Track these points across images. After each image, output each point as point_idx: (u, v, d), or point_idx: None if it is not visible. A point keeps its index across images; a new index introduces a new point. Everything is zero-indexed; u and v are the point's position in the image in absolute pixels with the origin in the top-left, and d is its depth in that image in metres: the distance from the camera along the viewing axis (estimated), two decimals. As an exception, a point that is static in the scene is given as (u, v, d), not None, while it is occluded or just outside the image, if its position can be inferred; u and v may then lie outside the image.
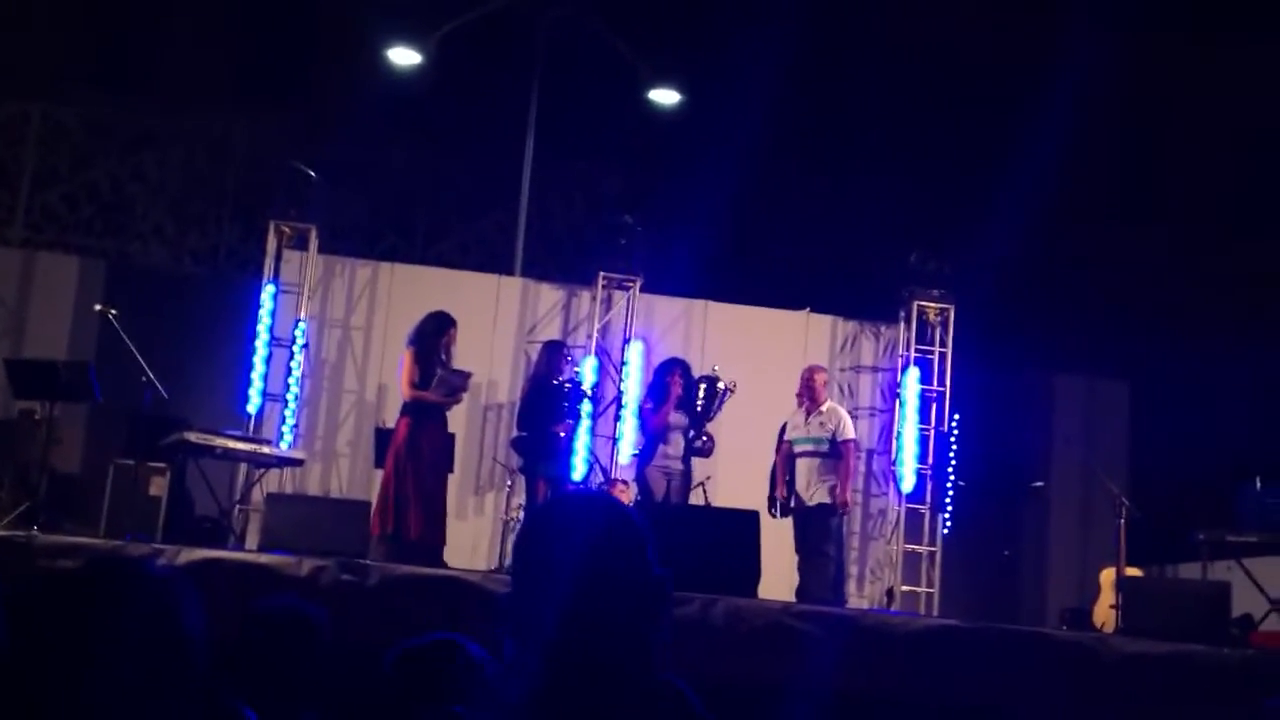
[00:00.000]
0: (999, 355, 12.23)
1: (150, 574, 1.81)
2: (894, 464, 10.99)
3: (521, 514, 9.64)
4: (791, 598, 8.37)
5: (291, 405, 10.50)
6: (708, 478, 9.57)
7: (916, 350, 11.25)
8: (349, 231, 13.19)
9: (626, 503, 9.28)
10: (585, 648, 1.62)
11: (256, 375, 10.44)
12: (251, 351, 10.49)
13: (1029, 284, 12.63)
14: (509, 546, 9.82)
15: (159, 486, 8.81)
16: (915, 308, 11.25)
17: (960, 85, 12.87)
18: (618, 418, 10.77)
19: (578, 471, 9.93)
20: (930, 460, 11.04)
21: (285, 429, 10.43)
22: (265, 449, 9.50)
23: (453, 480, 9.94)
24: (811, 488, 8.90)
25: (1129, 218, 12.88)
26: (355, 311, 11.21)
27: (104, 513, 8.66)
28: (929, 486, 11.01)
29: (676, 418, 9.11)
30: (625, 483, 9.82)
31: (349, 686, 3.35)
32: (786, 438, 9.15)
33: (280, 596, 3.07)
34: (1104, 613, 9.15)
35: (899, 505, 11.02)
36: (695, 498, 9.36)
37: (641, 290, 11.18)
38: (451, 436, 9.40)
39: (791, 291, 11.98)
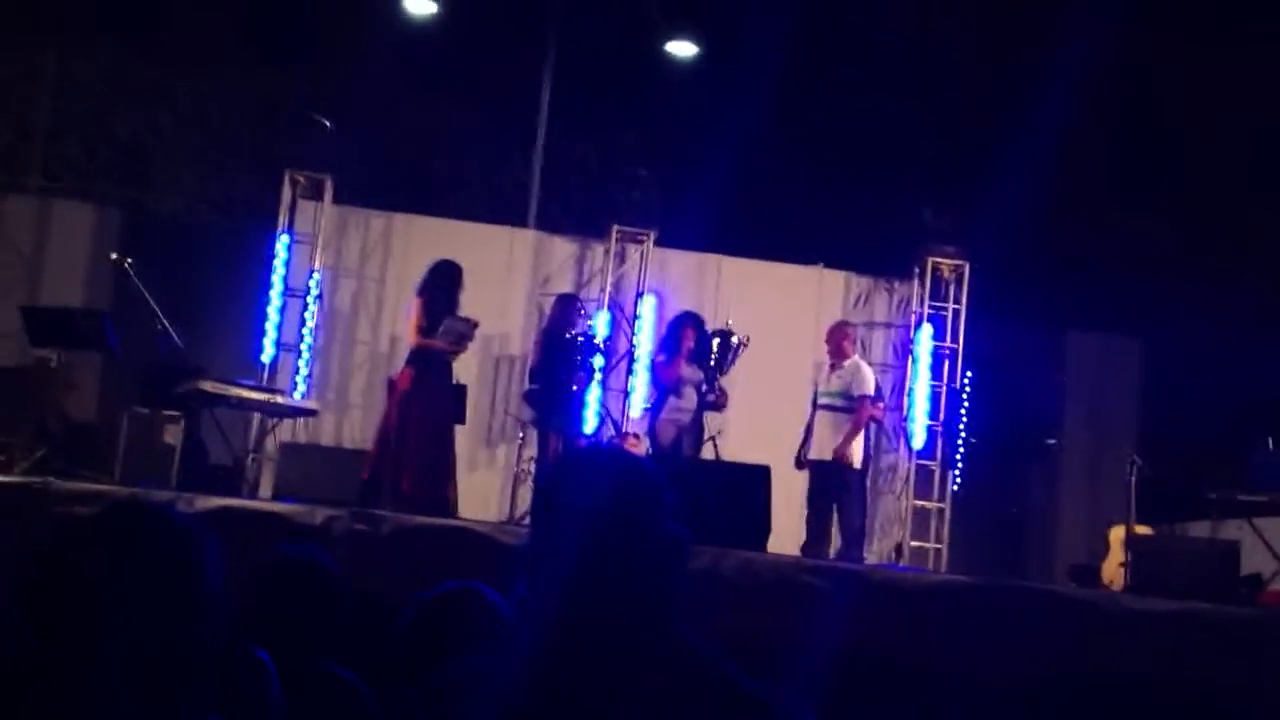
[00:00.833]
0: (1012, 312, 12.20)
1: (172, 519, 1.83)
2: (905, 420, 11.00)
3: (533, 466, 9.68)
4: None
5: (305, 355, 10.54)
6: (719, 432, 9.60)
7: (930, 307, 11.24)
8: (363, 182, 13.16)
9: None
10: (602, 599, 1.64)
11: (271, 325, 10.48)
12: (266, 301, 10.52)
13: (1042, 241, 12.57)
14: (520, 499, 9.88)
15: (173, 435, 8.86)
16: (929, 264, 11.23)
17: (976, 40, 12.75)
18: (630, 371, 10.79)
19: (589, 425, 9.96)
20: (941, 417, 11.05)
21: (299, 379, 10.48)
22: (279, 399, 9.55)
23: (464, 432, 9.99)
24: (826, 442, 8.94)
25: (1143, 174, 12.79)
26: (369, 262, 11.23)
27: (119, 460, 8.72)
28: (939, 443, 11.03)
29: (689, 371, 9.12)
30: (637, 436, 9.85)
31: (363, 635, 3.40)
32: (816, 388, 9.21)
33: (298, 545, 3.09)
34: (1113, 570, 9.18)
35: (909, 461, 11.05)
36: (706, 452, 9.39)
37: (655, 244, 11.16)
38: (463, 388, 9.43)
39: (806, 247, 11.95)
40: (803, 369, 9.65)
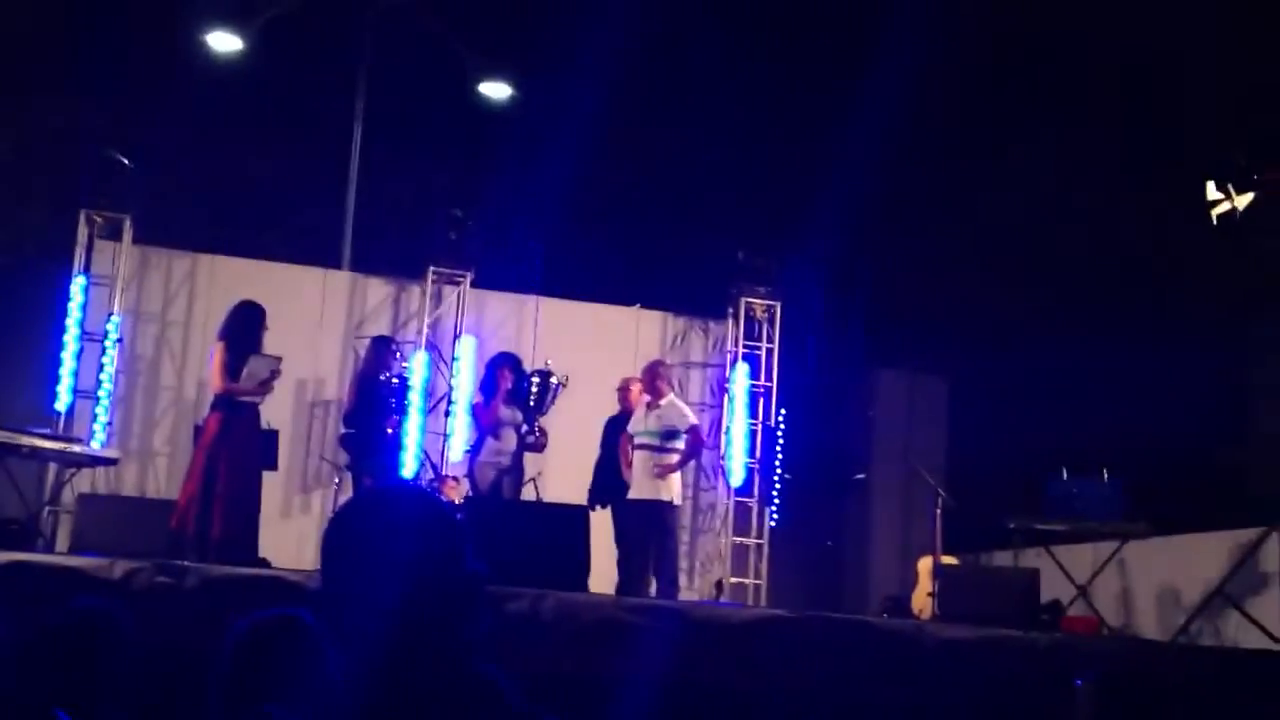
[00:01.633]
0: (824, 351, 12.52)
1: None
2: (723, 458, 11.15)
3: (349, 512, 9.44)
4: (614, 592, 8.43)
5: (104, 402, 10.08)
6: (539, 473, 9.56)
7: (744, 346, 11.44)
8: (167, 222, 12.71)
9: (456, 500, 9.21)
10: (396, 641, 1.60)
11: (66, 371, 9.99)
12: (61, 346, 10.04)
13: (852, 281, 12.97)
14: (320, 551, 9.62)
15: (-40, 488, 8.37)
16: (743, 304, 11.44)
17: (786, 84, 13.11)
18: (448, 413, 10.66)
19: (407, 468, 9.80)
20: (758, 454, 11.23)
21: (98, 427, 10.01)
22: (76, 448, 9.11)
23: (278, 478, 9.71)
24: (644, 481, 8.95)
25: (948, 217, 13.30)
26: (173, 305, 10.85)
27: (-101, 517, 8.19)
28: (757, 480, 11.21)
29: (507, 412, 9.07)
30: (456, 479, 9.73)
31: (166, 688, 3.24)
32: (629, 430, 9.20)
33: (82, 599, 2.94)
34: (922, 600, 9.45)
35: (728, 499, 11.18)
36: (526, 493, 9.34)
37: (473, 285, 11.09)
38: (274, 433, 9.17)
39: (623, 287, 12.05)
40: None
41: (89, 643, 2.70)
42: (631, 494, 8.96)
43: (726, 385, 11.38)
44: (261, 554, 8.10)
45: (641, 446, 9.03)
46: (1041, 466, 9.45)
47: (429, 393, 10.57)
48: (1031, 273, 12.57)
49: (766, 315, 11.51)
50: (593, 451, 9.48)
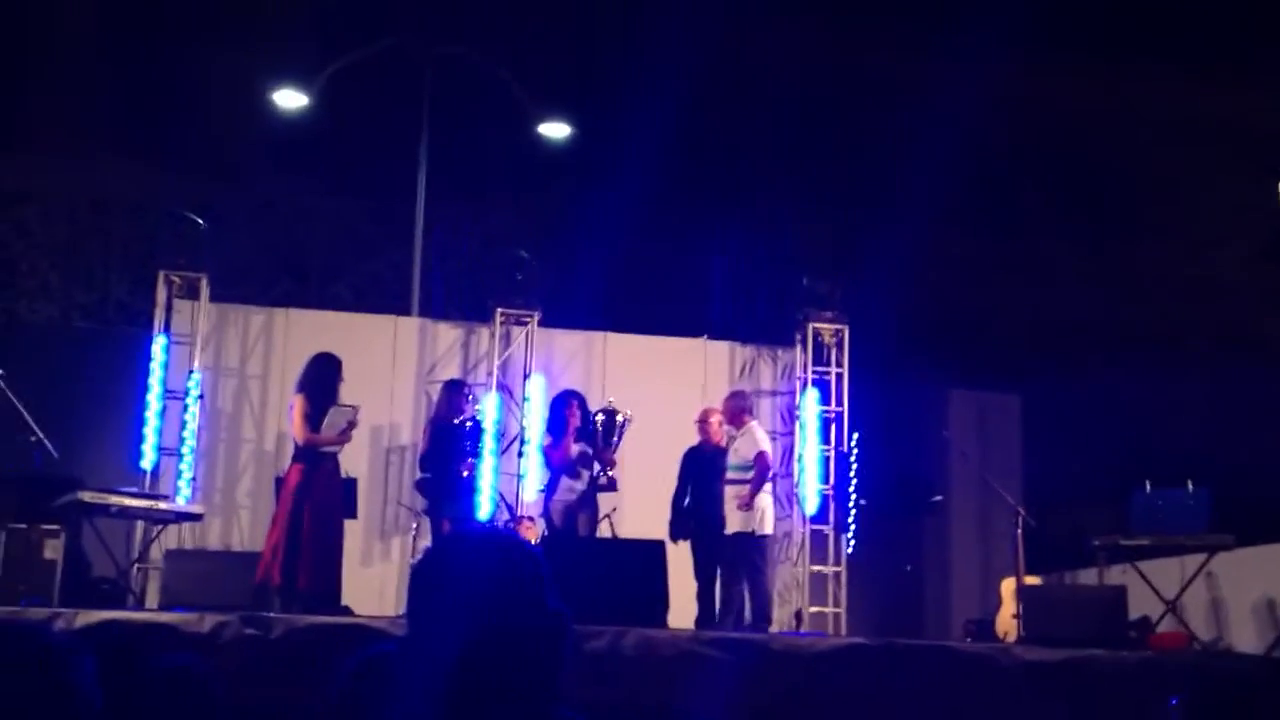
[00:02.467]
0: (894, 373, 12.46)
1: (44, 641, 1.80)
2: (797, 486, 11.10)
3: (428, 556, 9.54)
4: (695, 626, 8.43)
5: (188, 459, 10.29)
6: (613, 509, 9.59)
7: (814, 372, 11.39)
8: (241, 278, 13.01)
9: (533, 539, 9.27)
10: (480, 683, 1.63)
11: (151, 430, 10.22)
12: (144, 406, 10.27)
13: (921, 301, 12.91)
14: (406, 596, 9.72)
15: (54, 549, 8.56)
16: (810, 330, 11.41)
17: (847, 107, 13.13)
18: (521, 454, 10.74)
19: (483, 510, 9.88)
20: (832, 481, 11.17)
21: (183, 483, 10.21)
22: (162, 505, 9.30)
23: (357, 526, 9.84)
24: (733, 514, 8.99)
25: (1016, 235, 13.21)
26: (250, 359, 11.05)
27: (-4, 579, 8.41)
28: (832, 507, 11.14)
29: (577, 449, 9.12)
30: (531, 519, 9.79)
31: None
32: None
33: (172, 655, 3.02)
34: (1006, 622, 9.33)
35: (803, 527, 11.13)
36: (602, 530, 9.37)
37: (540, 324, 11.18)
38: (353, 481, 9.30)
39: (689, 319, 12.09)
40: (691, 441, 9.70)
41: (179, 700, 2.77)
42: (730, 528, 8.99)
43: (797, 412, 11.34)
44: (344, 602, 8.23)
45: (732, 481, 9.09)
46: (1123, 481, 9.32)
47: (501, 434, 10.66)
48: (1103, 287, 12.44)
49: (834, 340, 11.47)
50: (666, 484, 9.50)
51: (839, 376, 11.41)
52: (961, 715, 6.51)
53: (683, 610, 8.50)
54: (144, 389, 10.30)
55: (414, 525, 10.13)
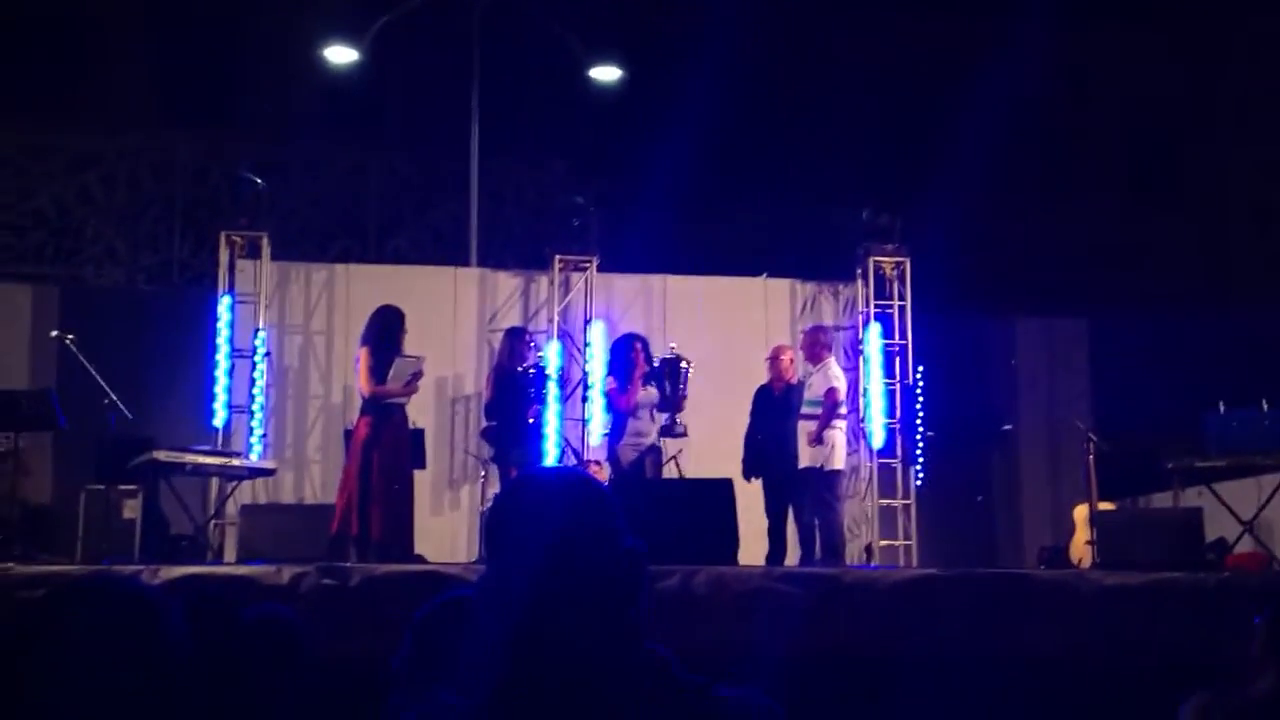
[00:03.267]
0: (958, 304, 12.32)
1: (133, 590, 1.82)
2: (863, 421, 11.05)
3: (498, 504, 9.61)
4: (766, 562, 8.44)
5: (258, 415, 10.44)
6: (679, 450, 9.61)
7: (876, 306, 11.30)
8: (301, 236, 13.12)
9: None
10: (561, 622, 1.63)
11: (220, 388, 10.37)
12: (213, 365, 10.42)
13: (981, 231, 12.74)
14: (481, 540, 9.84)
15: (132, 509, 8.75)
16: (871, 264, 11.30)
17: (906, 37, 12.91)
18: (585, 399, 10.78)
19: (549, 456, 9.94)
20: (898, 414, 11.11)
21: (254, 440, 10.38)
22: (235, 461, 9.46)
23: (426, 476, 9.94)
24: (804, 449, 8.99)
25: (1076, 159, 12.97)
26: (314, 316, 11.16)
27: (79, 540, 8.61)
28: (899, 440, 11.09)
29: (645, 393, 9.13)
30: (598, 463, 9.84)
31: (337, 687, 3.36)
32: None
33: (259, 605, 3.05)
34: (1080, 549, 9.26)
35: (871, 461, 11.09)
36: (668, 471, 9.39)
37: (598, 269, 11.17)
38: (420, 432, 9.39)
39: (748, 258, 12.01)
40: (755, 380, 9.67)
41: (269, 647, 2.81)
42: (803, 463, 8.99)
43: (860, 347, 11.27)
44: (416, 551, 8.34)
45: (805, 417, 9.10)
46: (1195, 403, 9.17)
47: (564, 380, 10.69)
48: (1162, 203, 12.21)
49: (896, 273, 11.36)
50: (729, 423, 9.50)
51: (901, 310, 11.32)
52: (1041, 644, 6.47)
53: (751, 547, 8.51)
54: (212, 348, 10.46)
55: (482, 473, 10.21)
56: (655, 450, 9.16)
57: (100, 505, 8.54)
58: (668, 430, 9.17)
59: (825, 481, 9.03)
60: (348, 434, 9.44)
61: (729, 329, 10.91)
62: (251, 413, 10.42)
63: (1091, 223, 12.78)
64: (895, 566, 10.12)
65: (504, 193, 13.75)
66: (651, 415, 9.14)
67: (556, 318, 11.04)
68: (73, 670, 1.68)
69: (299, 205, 13.02)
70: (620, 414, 9.21)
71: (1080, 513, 9.43)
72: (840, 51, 12.60)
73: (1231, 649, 6.02)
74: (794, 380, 9.31)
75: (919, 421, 11.08)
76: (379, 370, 8.27)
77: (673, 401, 9.14)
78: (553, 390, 9.99)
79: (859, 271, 11.42)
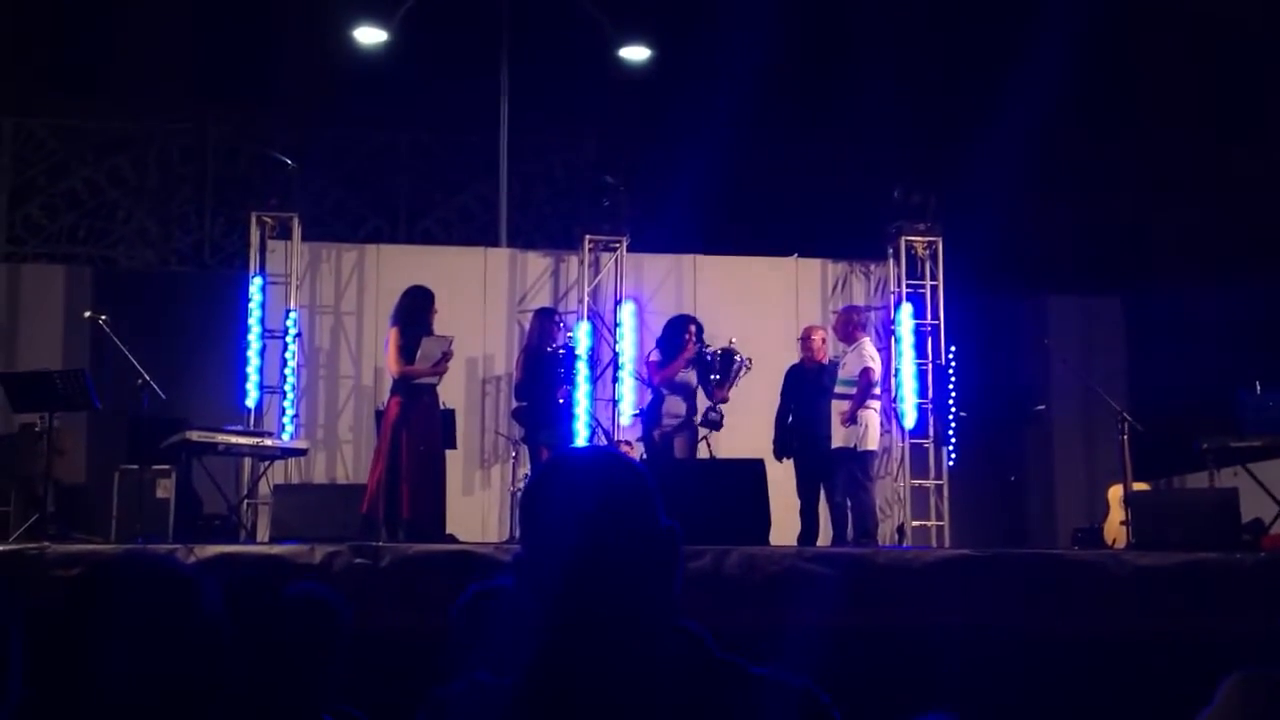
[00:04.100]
0: (990, 283, 12.23)
1: (169, 568, 1.83)
2: (895, 401, 11.00)
3: (528, 484, 9.63)
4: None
5: (290, 396, 10.49)
6: (710, 431, 9.58)
7: (908, 285, 11.23)
8: (331, 216, 13.15)
9: (632, 462, 9.33)
10: (600, 599, 1.62)
11: (252, 369, 10.42)
12: (245, 345, 10.47)
13: (1014, 209, 12.62)
14: (517, 518, 9.86)
15: (165, 488, 8.82)
16: (903, 243, 11.23)
17: (936, 14, 12.80)
18: (615, 380, 10.77)
19: (579, 436, 9.94)
20: (930, 394, 11.05)
21: (286, 420, 10.43)
22: (267, 442, 9.51)
23: (457, 456, 9.96)
24: (838, 429, 8.96)
25: (1107, 136, 12.85)
26: (345, 296, 11.19)
27: (113, 519, 8.68)
28: (931, 420, 11.03)
29: (686, 374, 9.11)
30: (629, 443, 9.84)
31: (371, 664, 3.38)
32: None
33: (298, 584, 3.06)
34: (1114, 529, 9.20)
35: (903, 442, 11.04)
36: (700, 452, 9.38)
37: (629, 249, 11.14)
38: (450, 412, 9.41)
39: (778, 238, 11.95)
40: (785, 360, 9.63)
41: (308, 626, 2.82)
42: (836, 443, 8.96)
43: (892, 327, 11.21)
44: (448, 530, 8.36)
45: (839, 396, 9.07)
46: (1230, 383, 9.08)
47: (594, 360, 10.69)
48: (1195, 183, 12.08)
49: (928, 252, 11.28)
50: (760, 405, 9.47)
51: (934, 289, 11.24)
52: (1074, 625, 6.44)
53: (782, 528, 8.50)
54: (243, 329, 10.51)
55: (512, 454, 10.23)
56: (688, 430, 9.14)
57: (134, 485, 8.61)
58: (705, 419, 9.13)
59: (858, 462, 8.99)
60: (379, 414, 9.48)
61: (759, 309, 10.87)
62: (283, 393, 10.47)
63: (1126, 202, 12.65)
64: (927, 547, 10.08)
65: (534, 173, 13.73)
66: (685, 397, 9.11)
67: (586, 298, 11.03)
68: (113, 648, 1.69)
69: (329, 186, 13.04)
70: (654, 388, 9.20)
71: (1115, 493, 9.36)
72: (873, 29, 12.49)
73: (1269, 629, 5.98)
74: (825, 360, 9.27)
75: (951, 402, 11.02)
76: (408, 350, 8.28)
77: (711, 391, 9.08)
78: (583, 371, 9.98)
79: (890, 251, 11.34)
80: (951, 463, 11.01)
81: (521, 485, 9.88)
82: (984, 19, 12.09)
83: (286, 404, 10.46)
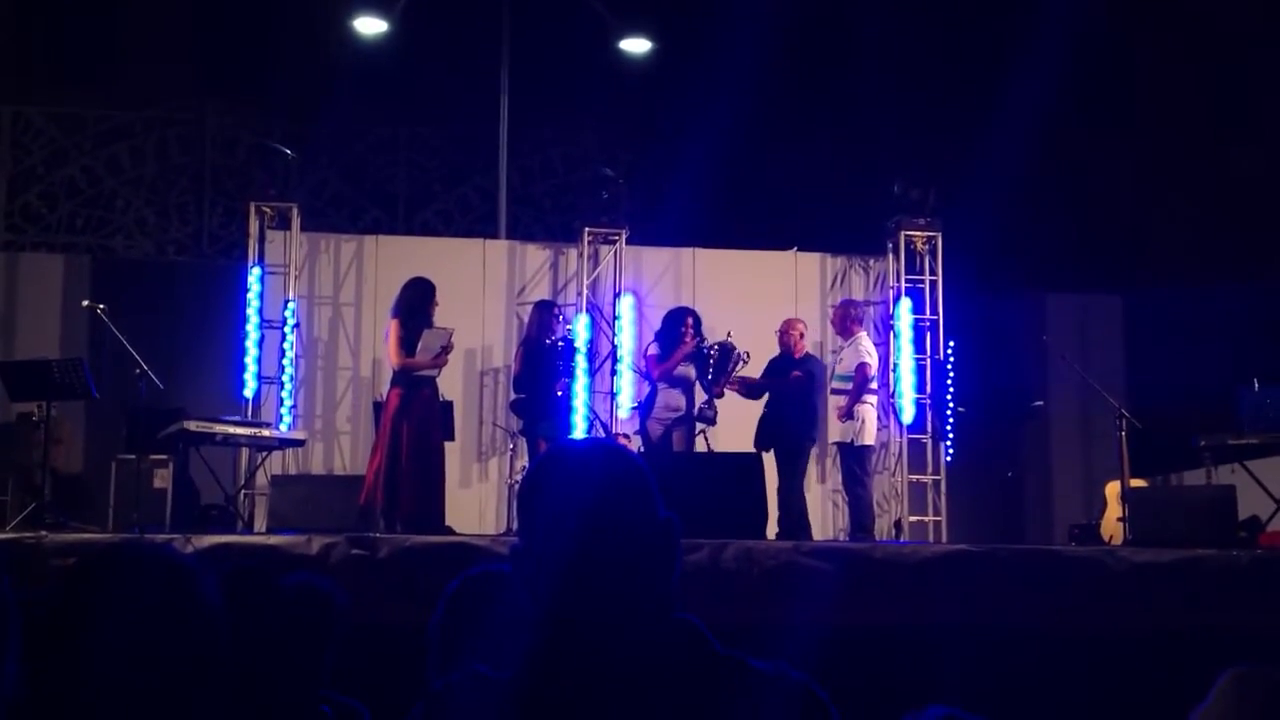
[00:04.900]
0: (989, 279, 12.22)
1: (168, 557, 1.83)
2: (893, 396, 11.00)
3: (526, 476, 9.63)
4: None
5: (288, 386, 10.49)
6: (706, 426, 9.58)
7: (907, 280, 11.24)
8: (330, 207, 13.13)
9: (629, 455, 9.36)
10: (595, 592, 1.62)
11: (250, 359, 10.42)
12: (243, 336, 10.47)
13: (1014, 205, 12.60)
14: (515, 510, 9.86)
15: (163, 478, 8.83)
16: (902, 238, 11.23)
17: (937, 8, 12.77)
18: (614, 372, 10.77)
19: (578, 429, 9.94)
20: (928, 389, 11.06)
21: (284, 410, 10.43)
22: (265, 432, 9.51)
23: (455, 448, 9.96)
24: (834, 424, 8.99)
25: (1108, 131, 12.83)
26: (343, 287, 11.18)
27: (110, 508, 8.68)
28: (929, 416, 11.04)
29: (684, 368, 9.10)
30: (627, 436, 9.84)
31: (367, 655, 3.38)
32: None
33: (295, 574, 3.06)
34: (1111, 526, 9.21)
35: (901, 437, 11.05)
36: (697, 445, 9.38)
37: (628, 242, 11.14)
38: (449, 404, 9.41)
39: (778, 231, 11.94)
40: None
41: (305, 616, 2.82)
42: (834, 438, 9.00)
43: (891, 322, 11.21)
44: (445, 522, 8.36)
45: (836, 391, 9.08)
46: (1229, 380, 9.08)
47: (592, 353, 10.69)
48: (1195, 180, 12.06)
49: (927, 247, 11.29)
50: (759, 399, 9.47)
51: (933, 284, 11.25)
52: (1071, 621, 6.44)
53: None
54: (241, 319, 10.50)
55: (510, 446, 10.23)
56: (686, 423, 9.14)
57: (131, 475, 8.61)
58: (700, 414, 9.13)
59: (856, 457, 9.00)
60: (377, 406, 9.48)
61: (758, 303, 10.87)
62: (281, 383, 10.47)
63: (1125, 197, 12.63)
64: (925, 542, 10.09)
65: (533, 165, 13.72)
66: (684, 391, 9.11)
67: (585, 291, 11.03)
68: (109, 637, 1.69)
69: (328, 176, 13.03)
70: (652, 384, 9.20)
71: (1112, 489, 9.37)
72: (874, 23, 12.46)
73: (1265, 626, 5.99)
74: (800, 355, 9.26)
75: (949, 397, 11.02)
76: (408, 342, 8.28)
77: (710, 386, 9.08)
78: (581, 363, 9.98)
79: (890, 246, 11.35)
80: (949, 458, 11.02)
81: (519, 477, 9.89)
82: (985, 15, 12.05)
83: (284, 394, 10.46)
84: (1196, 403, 9.79)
